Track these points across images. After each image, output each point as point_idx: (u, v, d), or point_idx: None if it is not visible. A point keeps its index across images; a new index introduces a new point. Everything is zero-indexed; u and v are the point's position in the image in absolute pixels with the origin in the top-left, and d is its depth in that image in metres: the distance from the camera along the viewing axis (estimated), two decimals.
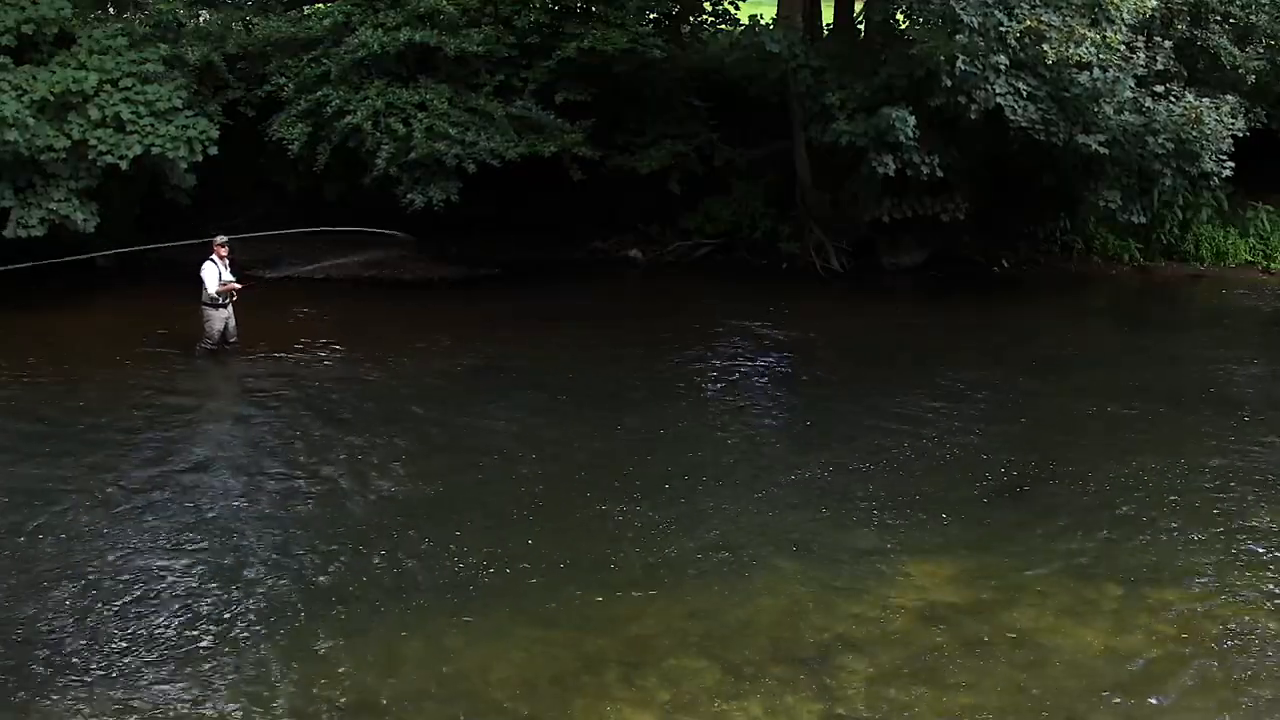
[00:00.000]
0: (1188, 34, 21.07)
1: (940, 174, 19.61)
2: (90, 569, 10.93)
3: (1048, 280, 22.13)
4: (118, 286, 20.08)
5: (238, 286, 16.75)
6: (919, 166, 19.30)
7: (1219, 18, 21.34)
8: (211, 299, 16.57)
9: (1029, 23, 17.96)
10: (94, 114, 18.67)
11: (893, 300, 21.55)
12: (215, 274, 16.55)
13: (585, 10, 22.32)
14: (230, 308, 16.75)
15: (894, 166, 19.21)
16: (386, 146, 19.81)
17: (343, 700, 9.08)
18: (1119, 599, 10.65)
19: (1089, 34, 18.17)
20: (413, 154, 19.75)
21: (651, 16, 22.60)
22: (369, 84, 20.32)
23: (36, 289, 19.14)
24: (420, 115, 19.96)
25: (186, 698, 9.09)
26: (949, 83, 18.38)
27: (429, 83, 20.41)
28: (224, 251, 16.76)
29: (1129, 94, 19.22)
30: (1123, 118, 19.28)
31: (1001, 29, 18.03)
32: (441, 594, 10.57)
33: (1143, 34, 19.94)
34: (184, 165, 19.40)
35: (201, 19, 22.50)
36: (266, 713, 8.94)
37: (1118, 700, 9.22)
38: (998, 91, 18.59)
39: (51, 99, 18.40)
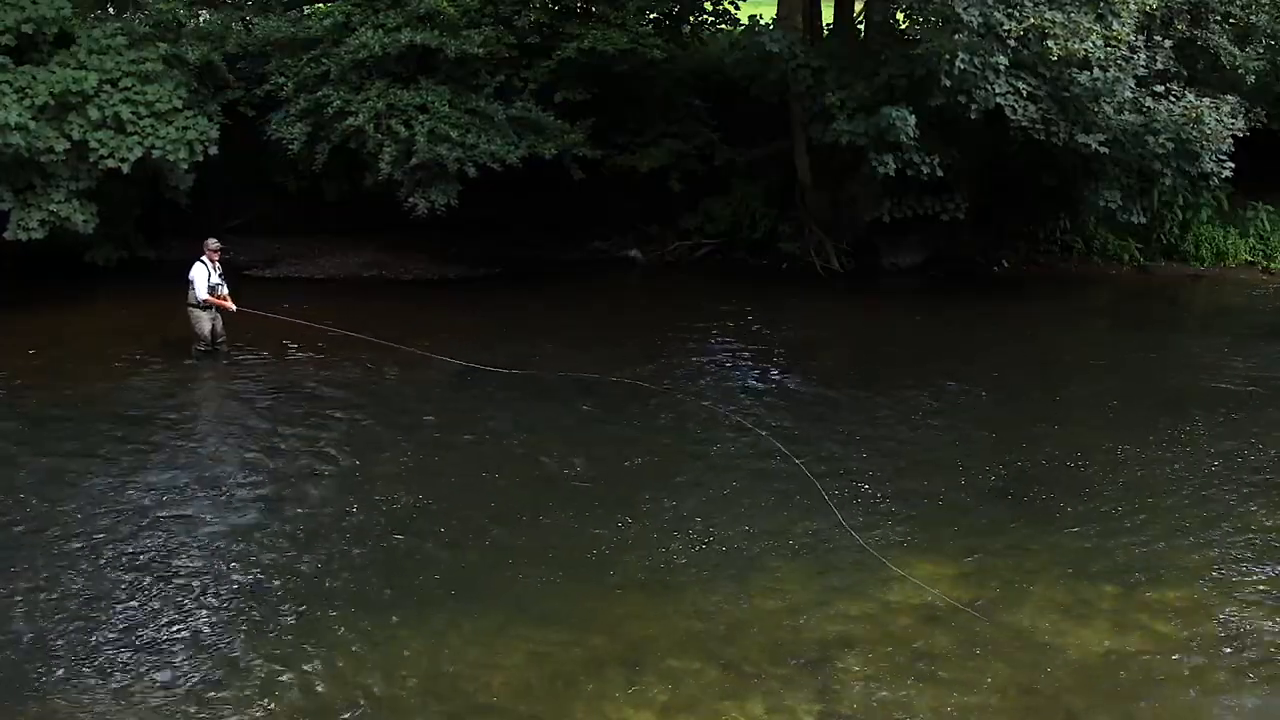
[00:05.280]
0: (1188, 34, 21.09)
1: (940, 174, 19.61)
2: (88, 568, 10.93)
3: (1048, 280, 22.13)
4: (116, 286, 20.12)
5: (231, 307, 16.70)
6: (919, 166, 19.30)
7: (1219, 18, 21.36)
8: (199, 302, 16.56)
9: (1032, 20, 17.96)
10: (94, 114, 18.67)
11: (893, 300, 21.56)
12: (205, 276, 16.54)
13: (585, 10, 22.34)
14: (215, 309, 16.74)
15: (894, 166, 19.21)
16: (389, 149, 19.81)
17: (343, 700, 9.08)
18: (1119, 599, 10.65)
19: (1095, 29, 18.18)
20: (414, 158, 19.75)
21: (651, 16, 22.62)
22: (370, 85, 20.33)
23: (36, 288, 19.19)
24: (422, 118, 19.97)
25: (184, 698, 9.09)
26: (949, 83, 18.39)
27: (430, 84, 20.41)
28: (216, 256, 16.77)
29: (1129, 94, 19.23)
30: (1123, 117, 19.28)
31: (1003, 28, 18.03)
32: (441, 594, 10.57)
33: (1143, 34, 19.95)
34: (184, 167, 19.40)
35: (201, 19, 22.52)
36: (266, 713, 8.93)
37: (1117, 700, 9.22)
38: (998, 91, 18.59)
39: (52, 102, 18.40)
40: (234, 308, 16.74)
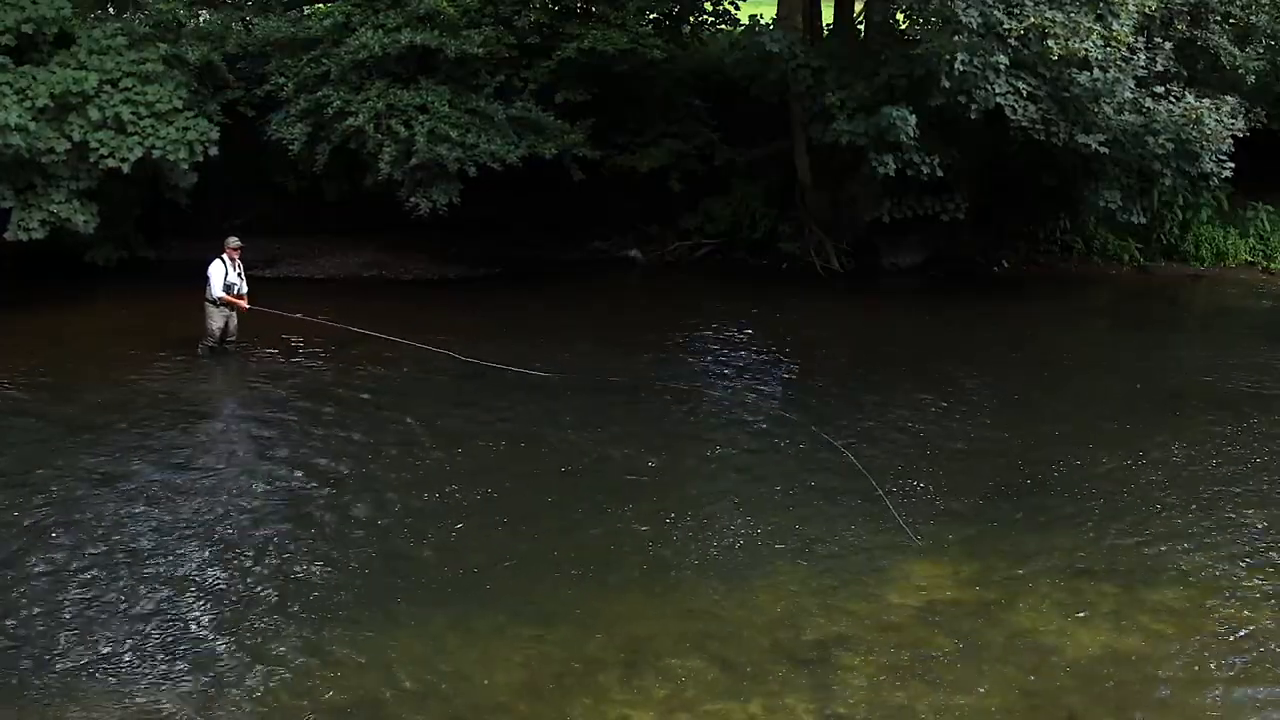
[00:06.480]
0: (1188, 34, 21.09)
1: (940, 174, 19.61)
2: (90, 567, 10.93)
3: (1048, 280, 22.13)
4: (117, 286, 20.11)
5: (244, 305, 16.70)
6: (919, 166, 19.30)
7: (1219, 18, 21.35)
8: (214, 299, 16.59)
9: (1032, 20, 17.97)
10: (94, 115, 18.66)
11: (893, 300, 21.56)
12: (221, 274, 16.55)
13: (585, 10, 22.34)
14: (229, 307, 16.73)
15: (894, 166, 19.21)
16: (389, 149, 19.80)
17: (343, 700, 9.08)
18: (1119, 599, 10.65)
19: (1095, 28, 18.19)
20: (414, 158, 19.74)
21: (651, 17, 22.61)
22: (370, 85, 20.32)
23: (37, 288, 19.18)
24: (422, 118, 19.96)
25: (184, 697, 9.09)
26: (948, 83, 18.39)
27: (430, 84, 20.41)
28: (237, 255, 16.78)
29: (1129, 94, 19.23)
30: (1123, 118, 19.28)
31: (1003, 28, 18.03)
32: (442, 594, 10.57)
33: (1143, 34, 19.95)
34: (184, 167, 19.38)
35: (201, 19, 22.51)
36: (266, 712, 8.94)
37: (1118, 700, 9.22)
38: (998, 91, 18.60)
39: (52, 103, 18.39)
40: (246, 307, 16.71)
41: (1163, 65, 20.09)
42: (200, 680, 9.30)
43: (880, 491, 12.40)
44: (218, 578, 10.88)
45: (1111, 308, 21.50)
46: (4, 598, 10.40)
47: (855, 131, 19.44)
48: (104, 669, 9.44)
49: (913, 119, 18.62)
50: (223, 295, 16.55)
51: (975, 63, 18.25)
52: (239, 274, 16.80)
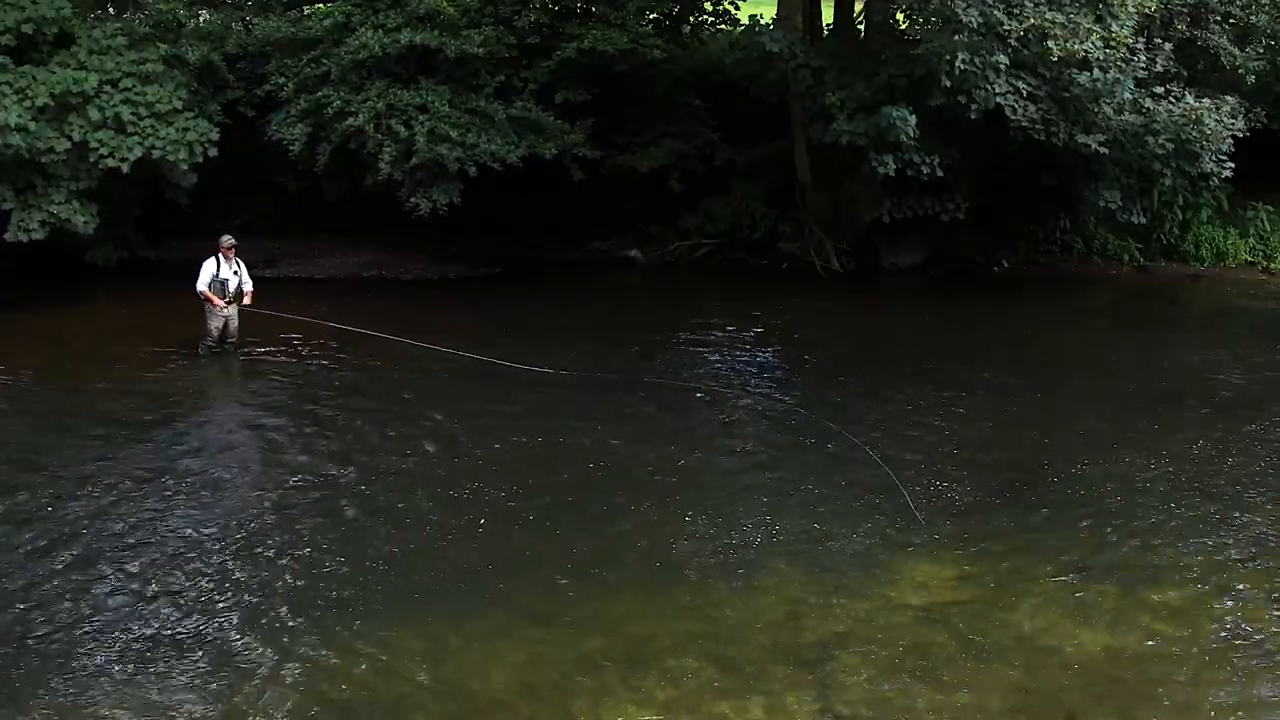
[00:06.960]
0: (1188, 34, 21.09)
1: (940, 174, 19.61)
2: (90, 567, 10.93)
3: (1048, 280, 22.14)
4: (116, 286, 20.12)
5: (218, 302, 16.53)
6: (919, 166, 19.30)
7: (1219, 18, 21.35)
8: (198, 292, 16.56)
9: (1032, 20, 17.97)
10: (94, 115, 18.67)
11: (893, 300, 21.56)
12: (211, 271, 16.55)
13: (585, 10, 22.35)
14: (233, 308, 16.72)
15: (894, 166, 19.21)
16: (389, 149, 19.81)
17: (343, 700, 9.08)
18: (1119, 599, 10.65)
19: (1095, 29, 18.20)
20: (414, 158, 19.75)
21: (651, 17, 22.63)
22: (370, 85, 20.33)
23: (36, 288, 19.19)
24: (422, 118, 19.97)
25: (183, 696, 9.09)
26: (949, 83, 18.40)
27: (430, 84, 20.41)
28: (231, 253, 16.76)
29: (1129, 94, 19.23)
30: (1123, 118, 19.28)
31: (1003, 28, 18.04)
32: (441, 594, 10.57)
33: (1143, 35, 19.96)
34: (184, 167, 19.38)
35: (201, 19, 22.52)
36: (265, 713, 8.93)
37: (1118, 700, 9.22)
38: (998, 91, 18.60)
39: (52, 103, 18.39)
40: (219, 303, 16.57)
41: (1163, 66, 20.08)
42: (193, 681, 9.30)
43: (906, 495, 12.40)
44: (214, 580, 10.86)
45: (1111, 308, 21.50)
46: (6, 599, 10.41)
47: (855, 131, 19.44)
48: (103, 670, 9.44)
49: (913, 119, 18.62)
50: (204, 291, 16.53)
51: (975, 63, 18.25)
52: (234, 272, 16.77)
